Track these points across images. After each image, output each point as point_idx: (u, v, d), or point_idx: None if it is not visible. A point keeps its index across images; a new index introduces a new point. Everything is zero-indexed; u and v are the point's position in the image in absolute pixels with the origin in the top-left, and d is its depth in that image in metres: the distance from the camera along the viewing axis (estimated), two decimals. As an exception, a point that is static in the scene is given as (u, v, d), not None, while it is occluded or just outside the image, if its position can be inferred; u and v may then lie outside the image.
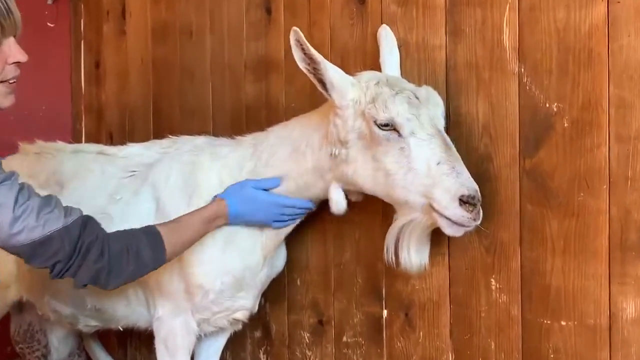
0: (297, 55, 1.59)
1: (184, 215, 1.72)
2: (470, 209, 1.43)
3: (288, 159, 1.75)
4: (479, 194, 1.44)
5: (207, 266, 1.80)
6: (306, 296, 2.05)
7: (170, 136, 2.09)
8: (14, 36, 1.48)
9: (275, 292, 2.09)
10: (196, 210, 1.74)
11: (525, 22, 1.51)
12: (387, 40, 1.72)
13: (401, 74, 1.71)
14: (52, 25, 3.13)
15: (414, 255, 1.57)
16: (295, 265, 2.06)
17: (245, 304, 1.91)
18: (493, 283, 1.59)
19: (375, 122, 1.52)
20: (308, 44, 1.57)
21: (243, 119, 2.25)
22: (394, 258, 1.58)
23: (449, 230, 1.47)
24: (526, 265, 1.53)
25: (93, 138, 2.98)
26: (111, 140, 2.86)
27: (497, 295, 1.58)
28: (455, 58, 1.64)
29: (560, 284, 1.47)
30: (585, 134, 1.42)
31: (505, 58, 1.54)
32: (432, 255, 1.69)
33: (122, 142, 2.26)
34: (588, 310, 1.43)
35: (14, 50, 1.47)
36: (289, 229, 1.86)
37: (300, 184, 1.73)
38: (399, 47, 1.73)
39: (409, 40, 1.73)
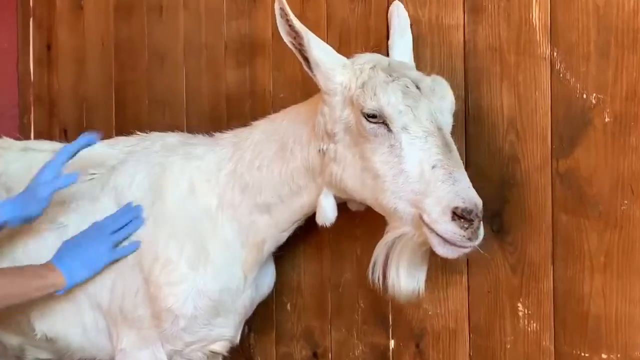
0: (281, 27, 1.61)
1: (8, 267, 1.83)
2: (465, 225, 1.40)
3: (275, 158, 1.76)
4: (479, 208, 1.42)
5: (178, 287, 1.80)
6: (298, 324, 2.05)
7: (137, 133, 2.09)
8: None
9: (261, 319, 2.09)
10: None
11: (559, -3, 1.52)
12: (400, 21, 1.72)
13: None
14: (-5, 0, 3.13)
15: (404, 279, 1.55)
16: (285, 287, 2.06)
17: (224, 333, 1.91)
18: (520, 308, 1.59)
19: (362, 111, 1.52)
20: (292, 14, 1.58)
21: (223, 112, 2.25)
22: (381, 279, 1.57)
23: (440, 249, 1.45)
24: (560, 287, 1.53)
25: (44, 134, 2.98)
26: (65, 137, 2.86)
27: (526, 322, 1.58)
28: (475, 40, 1.64)
29: (601, 310, 1.47)
30: (629, 131, 1.42)
31: (534, 40, 1.54)
32: (448, 274, 1.69)
33: (79, 140, 2.26)
34: (634, 341, 1.43)
35: None
36: (273, 242, 1.86)
37: (293, 188, 1.74)
38: (410, 27, 1.74)
39: (420, 18, 1.73)
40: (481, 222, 1.43)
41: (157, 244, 1.81)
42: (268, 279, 2.00)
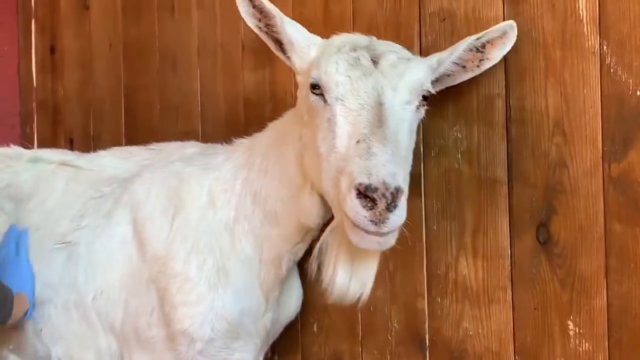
0: (242, 8, 1.65)
1: None
2: (370, 205, 1.34)
3: (279, 156, 1.77)
4: (389, 188, 1.34)
5: (195, 308, 1.81)
6: (325, 346, 2.05)
7: (150, 143, 2.11)
8: None
9: (285, 341, 2.09)
10: None
11: (608, -15, 1.51)
12: (500, 47, 1.63)
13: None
14: (-6, 0, 3.17)
15: (340, 276, 1.53)
16: (310, 306, 2.06)
17: (244, 358, 1.91)
18: (571, 327, 1.58)
19: (309, 82, 1.54)
20: None
21: (241, 117, 2.26)
22: (318, 271, 1.56)
23: (351, 235, 1.40)
24: (614, 304, 1.51)
25: (48, 144, 3.01)
26: (71, 146, 2.88)
27: (577, 342, 1.57)
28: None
29: (661, 328, 1.45)
30: (689, 130, 1.41)
31: (582, 33, 1.54)
32: (490, 289, 1.68)
33: (86, 149, 2.29)
34: (698, 362, 1.42)
35: None
36: (290, 257, 1.85)
37: (292, 189, 1.75)
38: (442, 21, 1.74)
39: (455, 10, 1.73)
40: (394, 206, 1.35)
41: (176, 260, 1.83)
42: (293, 298, 2.01)
